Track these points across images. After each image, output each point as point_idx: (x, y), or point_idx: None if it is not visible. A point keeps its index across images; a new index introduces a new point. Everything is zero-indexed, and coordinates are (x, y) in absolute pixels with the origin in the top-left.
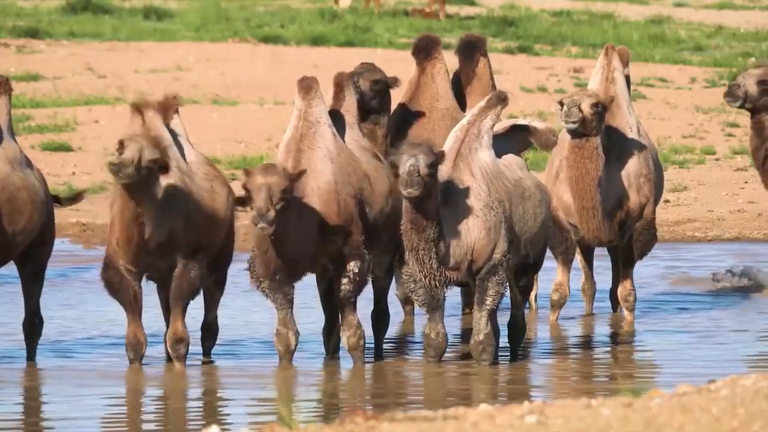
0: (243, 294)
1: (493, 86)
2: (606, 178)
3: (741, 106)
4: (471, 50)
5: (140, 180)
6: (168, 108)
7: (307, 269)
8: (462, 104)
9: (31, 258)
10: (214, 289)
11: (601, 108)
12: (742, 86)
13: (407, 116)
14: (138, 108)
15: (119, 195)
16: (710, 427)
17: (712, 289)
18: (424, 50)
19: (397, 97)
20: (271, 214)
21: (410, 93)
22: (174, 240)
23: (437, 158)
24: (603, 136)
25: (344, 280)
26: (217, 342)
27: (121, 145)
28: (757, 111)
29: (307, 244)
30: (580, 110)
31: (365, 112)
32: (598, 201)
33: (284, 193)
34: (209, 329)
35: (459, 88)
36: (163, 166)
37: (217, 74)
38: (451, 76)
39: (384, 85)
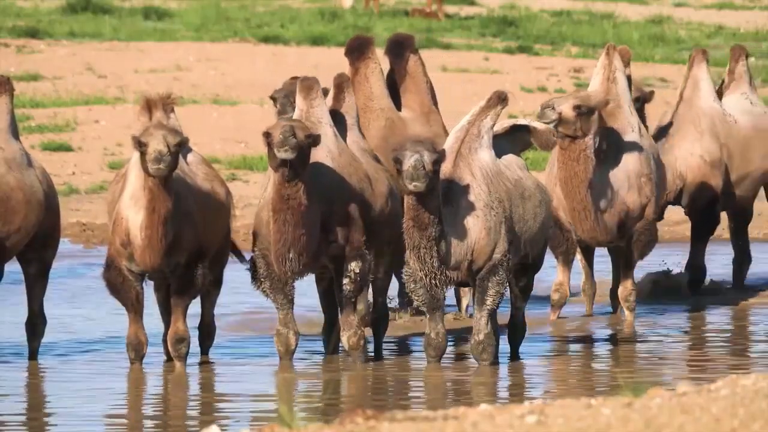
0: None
1: (428, 82)
2: (607, 179)
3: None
4: (400, 49)
5: (174, 167)
6: (164, 108)
7: (308, 269)
8: (397, 104)
9: (35, 258)
10: (210, 288)
11: (585, 110)
12: (555, 108)
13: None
14: (148, 104)
15: (149, 194)
16: (710, 427)
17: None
18: (357, 50)
19: None
20: (293, 140)
21: None
22: (180, 240)
23: (440, 155)
24: (602, 137)
25: (345, 280)
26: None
27: (140, 143)
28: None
29: (310, 243)
30: (556, 111)
31: None
32: (589, 202)
33: (303, 131)
34: (206, 329)
35: (393, 88)
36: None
37: (217, 74)
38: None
39: None
